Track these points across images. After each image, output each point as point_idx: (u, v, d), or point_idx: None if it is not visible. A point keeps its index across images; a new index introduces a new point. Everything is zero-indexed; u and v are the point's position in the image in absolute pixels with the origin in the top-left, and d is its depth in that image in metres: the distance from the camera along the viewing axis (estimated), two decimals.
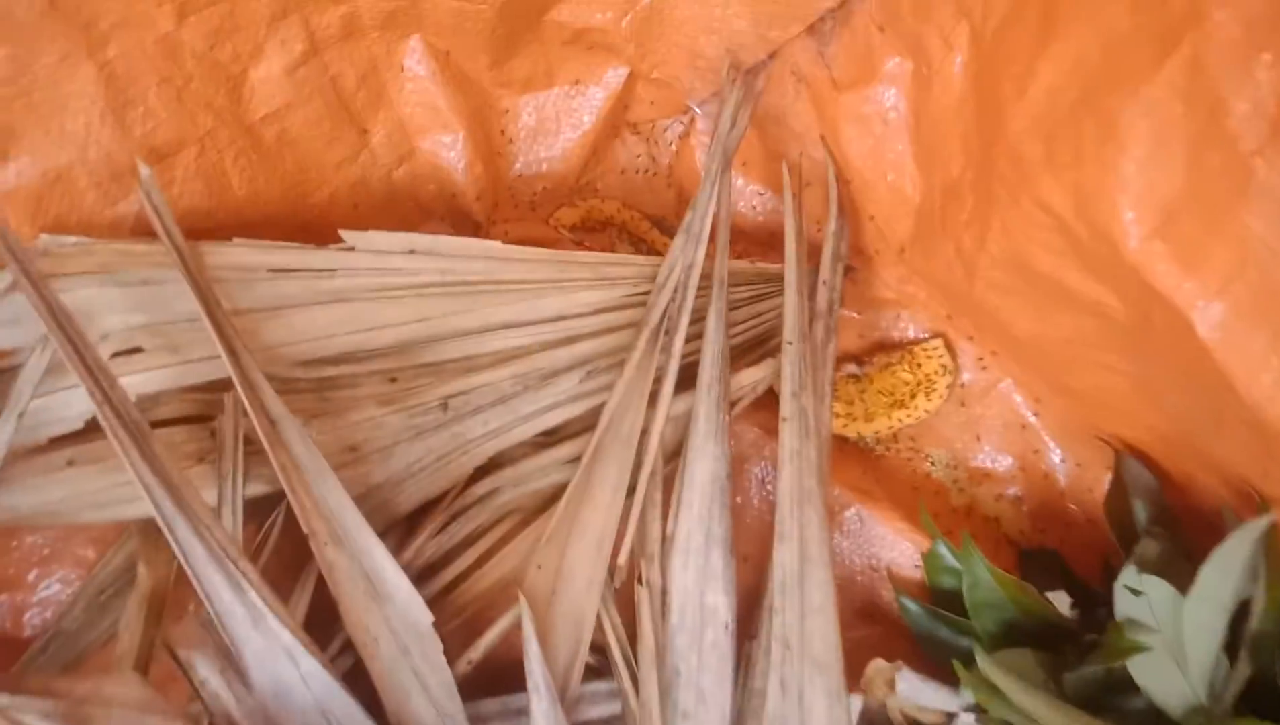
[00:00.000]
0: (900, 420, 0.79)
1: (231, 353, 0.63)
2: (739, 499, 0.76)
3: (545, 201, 0.88)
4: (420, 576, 0.68)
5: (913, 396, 0.79)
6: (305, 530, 0.61)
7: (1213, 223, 0.48)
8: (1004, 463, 0.79)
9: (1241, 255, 0.47)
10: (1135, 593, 0.59)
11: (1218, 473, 0.62)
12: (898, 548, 0.74)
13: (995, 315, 0.68)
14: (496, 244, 0.71)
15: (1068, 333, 0.62)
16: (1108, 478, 0.73)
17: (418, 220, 0.84)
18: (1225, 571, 0.56)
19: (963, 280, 0.68)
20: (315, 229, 0.72)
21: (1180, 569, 0.57)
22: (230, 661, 0.58)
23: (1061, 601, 0.67)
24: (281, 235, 0.69)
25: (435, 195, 0.83)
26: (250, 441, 0.64)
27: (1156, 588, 0.58)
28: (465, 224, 0.85)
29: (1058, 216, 0.55)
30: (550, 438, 0.73)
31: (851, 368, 0.81)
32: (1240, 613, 0.56)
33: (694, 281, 0.72)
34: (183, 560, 0.56)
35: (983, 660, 0.60)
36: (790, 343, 0.71)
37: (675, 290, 0.72)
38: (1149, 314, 0.54)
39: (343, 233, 0.68)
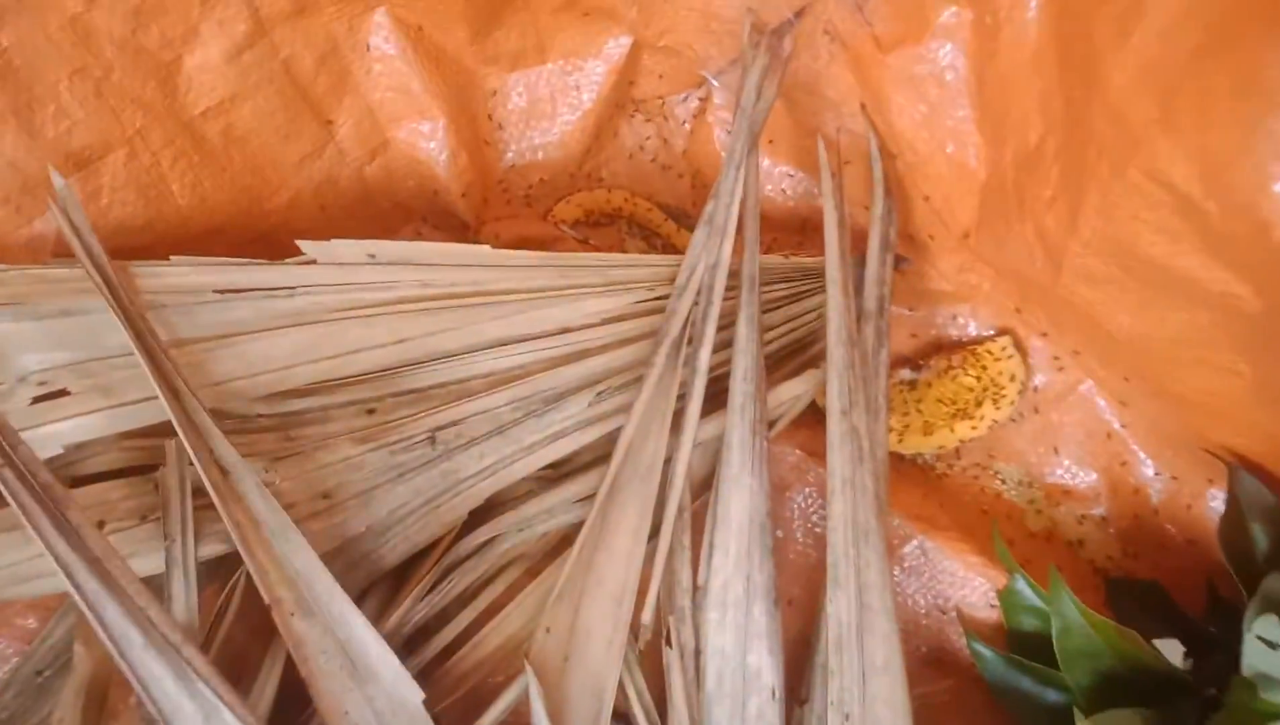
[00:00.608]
0: (964, 433, 0.69)
1: (171, 392, 0.54)
2: (780, 533, 0.67)
3: (543, 195, 0.78)
4: (410, 643, 0.61)
5: (978, 404, 0.69)
6: (266, 600, 0.53)
7: None
8: (1086, 478, 0.69)
9: None
10: (1272, 645, 0.50)
11: None
12: (968, 584, 0.65)
13: (1085, 311, 0.57)
14: (485, 248, 0.61)
15: (1178, 330, 0.52)
16: (1210, 494, 0.65)
17: (397, 223, 0.74)
18: None
19: (1045, 270, 0.58)
20: (275, 240, 0.62)
21: None
22: None
23: (1173, 651, 0.57)
24: (235, 249, 0.60)
25: (415, 193, 0.73)
26: (203, 493, 0.55)
27: None
28: (451, 225, 0.75)
29: (1176, 190, 0.44)
30: (557, 472, 0.65)
31: (905, 373, 0.71)
32: None
33: (720, 282, 0.61)
34: (113, 650, 0.49)
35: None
36: (836, 349, 0.61)
37: (698, 293, 0.62)
38: None
39: (301, 244, 0.58)
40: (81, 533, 0.48)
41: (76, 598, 0.48)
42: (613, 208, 0.79)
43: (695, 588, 0.59)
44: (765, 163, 0.76)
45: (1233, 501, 0.59)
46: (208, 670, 0.49)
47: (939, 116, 0.62)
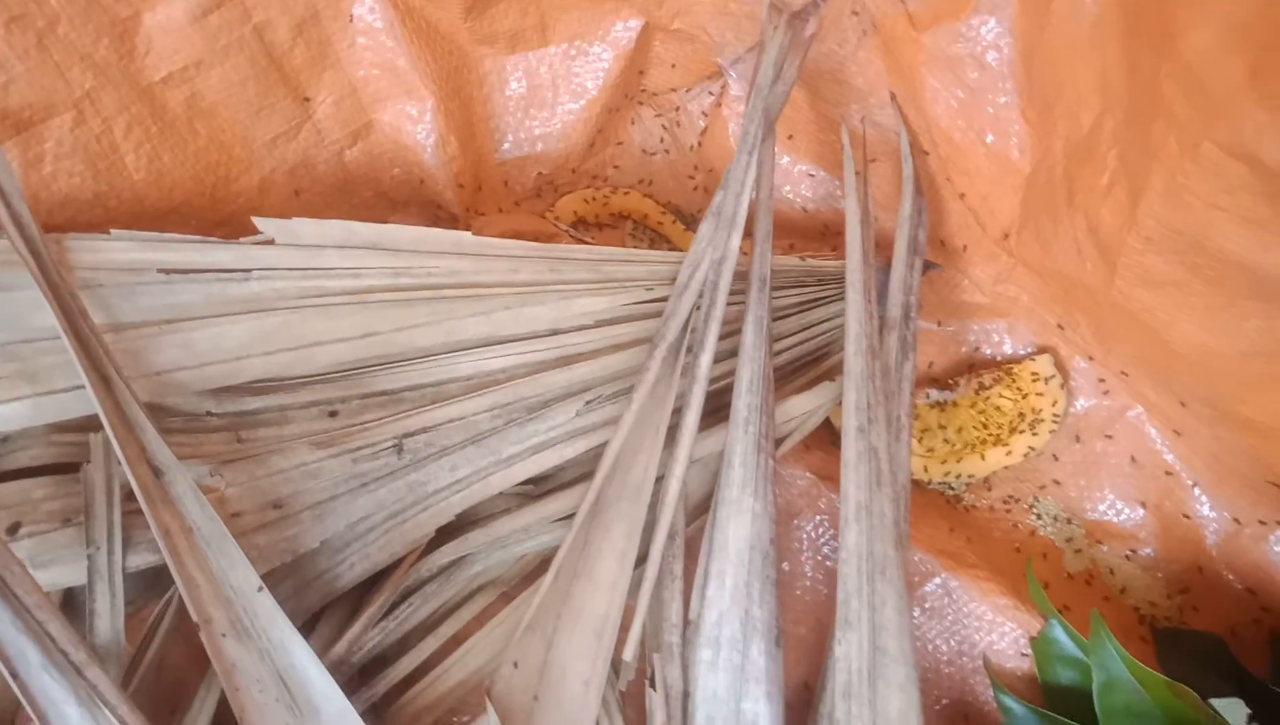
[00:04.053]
0: (997, 461, 0.63)
1: (100, 379, 0.48)
2: (786, 565, 0.60)
3: (542, 191, 0.72)
4: (365, 673, 0.55)
5: (1013, 430, 0.62)
6: (195, 619, 0.46)
7: None
8: (1133, 515, 0.63)
9: None
10: None
11: None
12: (997, 629, 0.58)
13: (1142, 319, 0.50)
14: (466, 235, 0.55)
15: (1254, 340, 0.46)
16: (1275, 537, 0.58)
17: (380, 213, 0.68)
18: None
19: (1097, 272, 0.51)
20: (242, 225, 0.57)
21: None
22: None
23: (1235, 713, 0.50)
24: (197, 233, 0.55)
25: (400, 181, 0.67)
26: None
27: None
28: (439, 217, 0.70)
29: (1266, 168, 0.37)
30: (538, 488, 0.59)
31: (933, 393, 0.64)
32: None
33: (725, 282, 0.55)
34: (2, 669, 0.43)
35: None
36: (854, 360, 0.54)
37: (701, 294, 0.56)
38: None
39: (258, 222, 0.52)
40: None
41: None
42: (618, 208, 0.73)
43: (686, 622, 0.52)
44: (785, 160, 0.70)
45: None
46: (116, 696, 0.43)
47: (979, 103, 0.55)
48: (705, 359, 0.54)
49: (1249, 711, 0.50)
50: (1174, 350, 0.50)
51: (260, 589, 0.47)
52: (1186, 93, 0.40)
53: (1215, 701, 0.50)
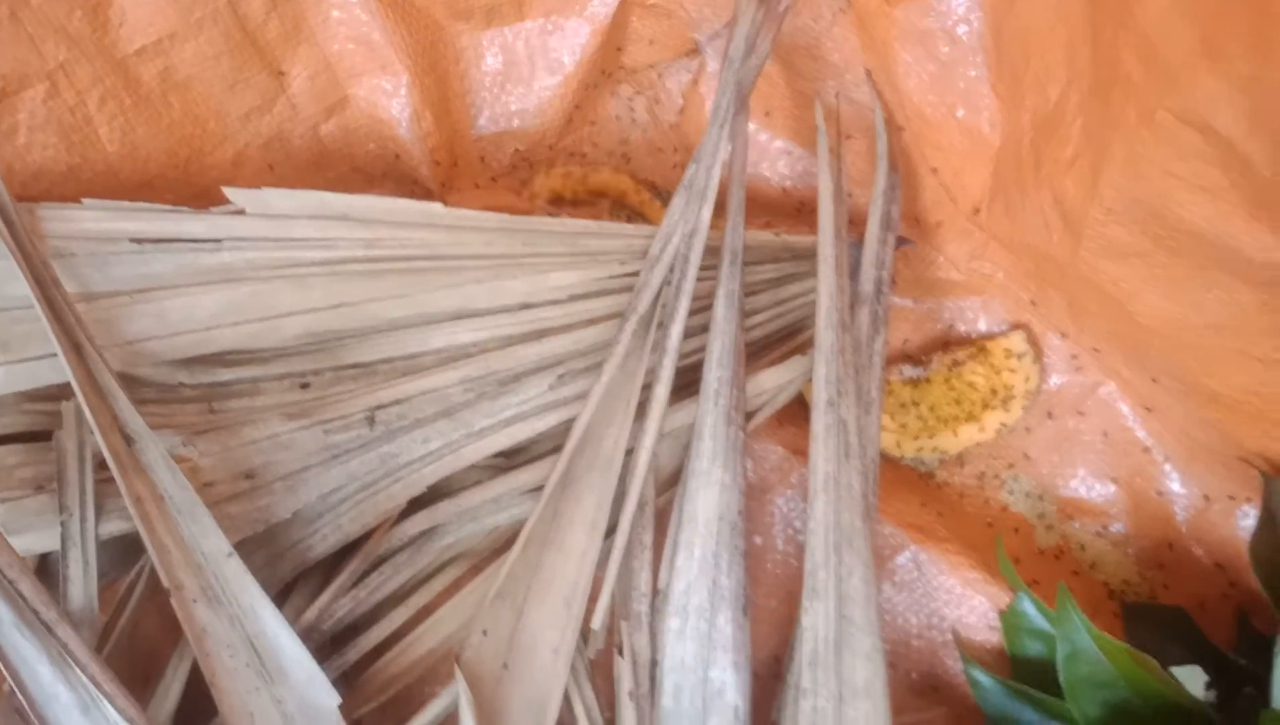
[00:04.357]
0: (969, 437, 0.63)
1: (72, 347, 0.49)
2: (758, 539, 0.61)
3: (519, 167, 0.72)
4: (336, 642, 0.55)
5: (986, 406, 0.62)
6: (166, 584, 0.47)
7: None
8: (1104, 492, 0.63)
9: None
10: None
11: None
12: (967, 603, 0.58)
13: (1107, 292, 0.51)
14: (438, 207, 0.55)
15: (1217, 313, 0.46)
16: (1242, 512, 0.59)
17: (357, 187, 0.68)
18: None
19: (1063, 243, 0.51)
20: (216, 198, 0.56)
21: None
22: None
23: (1194, 680, 0.51)
24: (171, 205, 0.55)
25: (375, 156, 0.67)
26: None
27: None
28: (414, 193, 0.69)
29: (1217, 135, 0.38)
30: (510, 462, 0.58)
31: (906, 370, 0.64)
32: None
33: (696, 254, 0.55)
34: None
35: None
36: (825, 334, 0.54)
37: (672, 267, 0.56)
38: None
39: (228, 192, 0.52)
40: None
41: None
42: (596, 185, 0.72)
43: (655, 592, 0.53)
44: (762, 137, 0.70)
45: (1266, 516, 0.53)
46: (86, 655, 0.44)
47: (950, 77, 0.56)
48: (675, 331, 0.55)
49: (1207, 679, 0.51)
50: (1140, 323, 0.51)
51: (230, 554, 0.48)
52: (1143, 61, 0.40)
53: (1175, 670, 0.50)
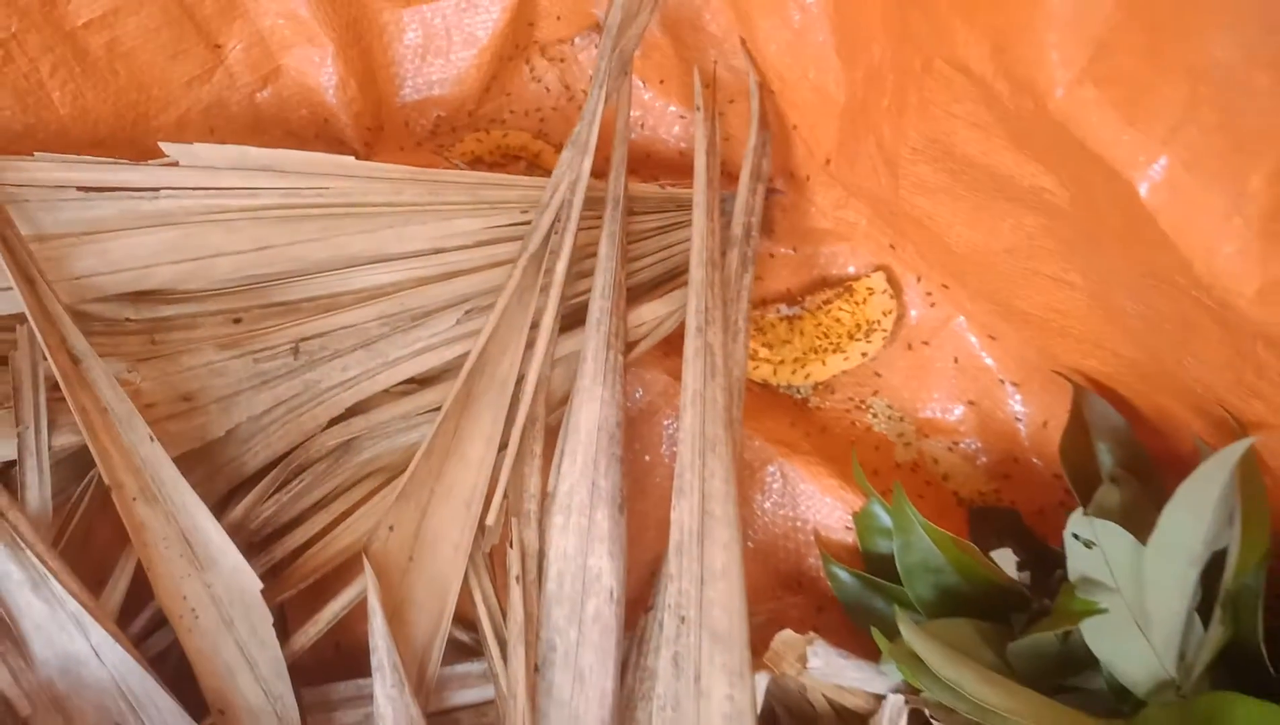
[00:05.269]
0: (836, 365, 0.70)
1: (25, 280, 0.55)
2: (647, 457, 0.67)
3: (441, 132, 0.79)
4: (266, 543, 0.61)
5: (851, 338, 0.69)
6: (108, 483, 0.54)
7: (1155, 51, 0.37)
8: (956, 411, 0.70)
9: (1191, 91, 0.37)
10: (1088, 544, 0.50)
11: (1191, 401, 0.52)
12: (826, 508, 0.65)
13: (925, 226, 0.58)
14: (349, 159, 0.62)
15: (1009, 238, 0.52)
16: None
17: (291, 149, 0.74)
18: (1194, 513, 0.46)
19: (886, 183, 0.58)
20: (160, 156, 0.62)
21: (1150, 521, 0.47)
22: (6, 631, 0.52)
23: (1007, 560, 0.58)
24: None
25: (307, 121, 0.74)
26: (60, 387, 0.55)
27: (1112, 537, 0.49)
28: (343, 154, 0.76)
29: (974, 75, 0.44)
30: (421, 387, 0.64)
31: (783, 308, 0.71)
32: (1214, 564, 0.46)
33: (579, 199, 0.62)
34: None
35: (907, 629, 0.51)
36: (696, 271, 0.62)
37: (559, 213, 0.63)
38: (1091, 191, 0.44)
39: (164, 146, 0.59)
40: None
41: None
42: (513, 148, 0.80)
43: (544, 494, 0.59)
44: (657, 104, 0.77)
45: (1075, 420, 0.59)
46: (33, 536, 0.51)
47: (802, 42, 0.62)
48: (561, 266, 0.61)
49: (1018, 560, 0.57)
50: (956, 253, 0.57)
51: (152, 440, 0.54)
52: (925, 16, 0.47)
53: (992, 554, 0.57)
